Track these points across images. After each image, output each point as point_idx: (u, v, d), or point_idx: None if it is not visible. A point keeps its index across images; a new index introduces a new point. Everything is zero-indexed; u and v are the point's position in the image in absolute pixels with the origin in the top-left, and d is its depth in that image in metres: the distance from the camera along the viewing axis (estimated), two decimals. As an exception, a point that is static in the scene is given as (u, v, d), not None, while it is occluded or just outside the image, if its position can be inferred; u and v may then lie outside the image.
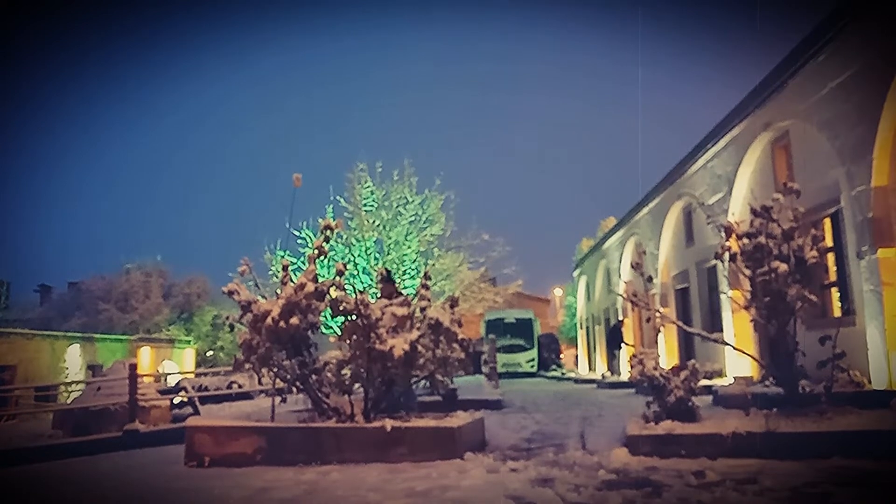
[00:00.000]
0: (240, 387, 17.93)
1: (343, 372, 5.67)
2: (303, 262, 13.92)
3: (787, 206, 5.75)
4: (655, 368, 5.50)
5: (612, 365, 23.51)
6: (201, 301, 40.24)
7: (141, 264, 40.27)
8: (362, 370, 5.59)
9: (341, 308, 5.57)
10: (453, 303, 5.90)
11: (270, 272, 14.95)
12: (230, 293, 5.75)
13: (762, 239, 5.68)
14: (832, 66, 8.98)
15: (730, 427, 4.85)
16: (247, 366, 5.78)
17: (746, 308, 5.90)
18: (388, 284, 8.03)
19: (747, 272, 5.79)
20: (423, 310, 5.72)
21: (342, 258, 14.77)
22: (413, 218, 16.41)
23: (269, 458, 5.25)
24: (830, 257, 9.46)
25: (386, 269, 8.47)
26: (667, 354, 16.57)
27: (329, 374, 5.75)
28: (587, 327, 31.00)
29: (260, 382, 7.28)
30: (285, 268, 6.08)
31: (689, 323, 14.62)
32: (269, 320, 5.49)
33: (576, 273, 34.32)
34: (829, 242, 9.21)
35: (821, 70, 9.25)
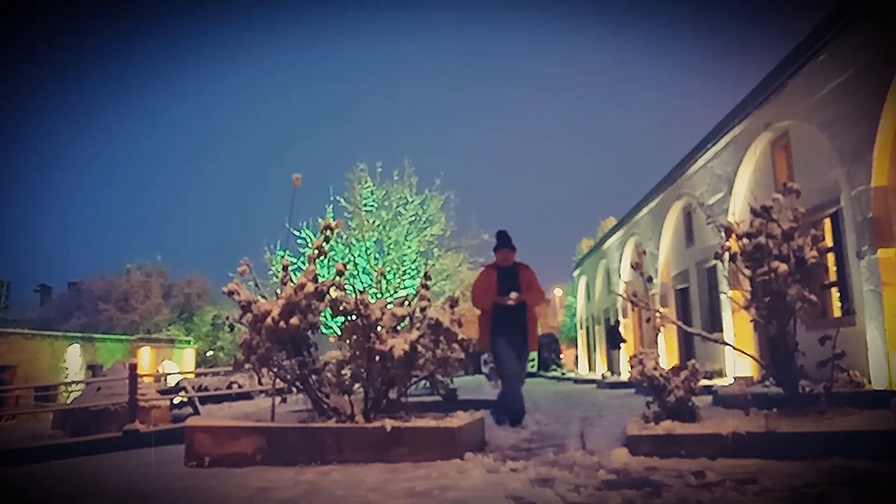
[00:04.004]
0: (240, 387, 17.94)
1: (343, 372, 5.66)
2: (303, 262, 13.93)
3: (786, 206, 5.74)
4: (655, 368, 5.48)
5: (612, 365, 23.51)
6: (201, 301, 40.32)
7: (141, 264, 40.39)
8: (362, 370, 5.58)
9: (341, 308, 5.56)
10: (453, 303, 5.89)
11: (270, 272, 14.97)
12: (230, 293, 5.73)
13: (762, 239, 5.66)
14: (832, 66, 8.98)
15: (730, 427, 4.84)
16: (247, 366, 5.76)
17: (746, 308, 5.89)
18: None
19: (747, 272, 5.78)
20: (423, 310, 5.70)
21: (342, 258, 14.77)
22: (413, 218, 16.42)
23: (270, 458, 5.24)
24: (830, 257, 9.46)
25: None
26: (667, 354, 16.58)
27: (329, 374, 5.74)
28: (587, 327, 31.00)
29: (260, 382, 7.26)
30: (285, 268, 6.06)
31: (689, 323, 14.62)
32: (269, 320, 5.48)
33: (576, 273, 34.32)
34: (829, 242, 9.22)
35: (821, 70, 9.26)
